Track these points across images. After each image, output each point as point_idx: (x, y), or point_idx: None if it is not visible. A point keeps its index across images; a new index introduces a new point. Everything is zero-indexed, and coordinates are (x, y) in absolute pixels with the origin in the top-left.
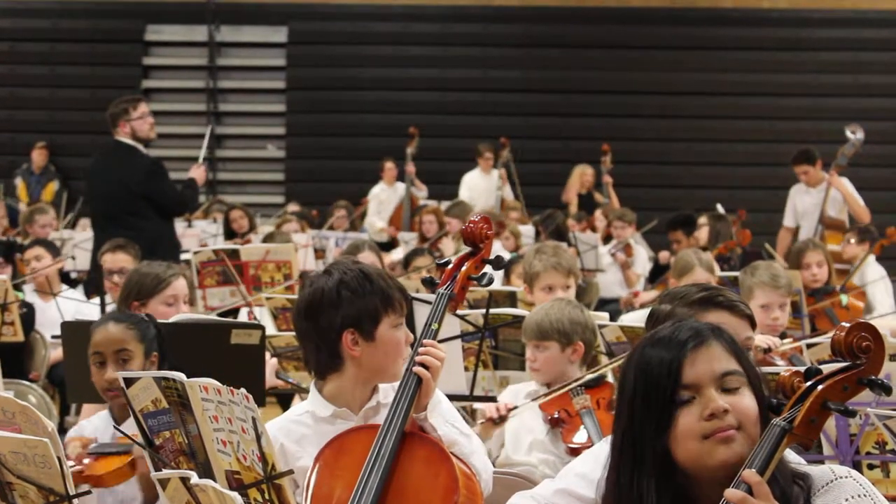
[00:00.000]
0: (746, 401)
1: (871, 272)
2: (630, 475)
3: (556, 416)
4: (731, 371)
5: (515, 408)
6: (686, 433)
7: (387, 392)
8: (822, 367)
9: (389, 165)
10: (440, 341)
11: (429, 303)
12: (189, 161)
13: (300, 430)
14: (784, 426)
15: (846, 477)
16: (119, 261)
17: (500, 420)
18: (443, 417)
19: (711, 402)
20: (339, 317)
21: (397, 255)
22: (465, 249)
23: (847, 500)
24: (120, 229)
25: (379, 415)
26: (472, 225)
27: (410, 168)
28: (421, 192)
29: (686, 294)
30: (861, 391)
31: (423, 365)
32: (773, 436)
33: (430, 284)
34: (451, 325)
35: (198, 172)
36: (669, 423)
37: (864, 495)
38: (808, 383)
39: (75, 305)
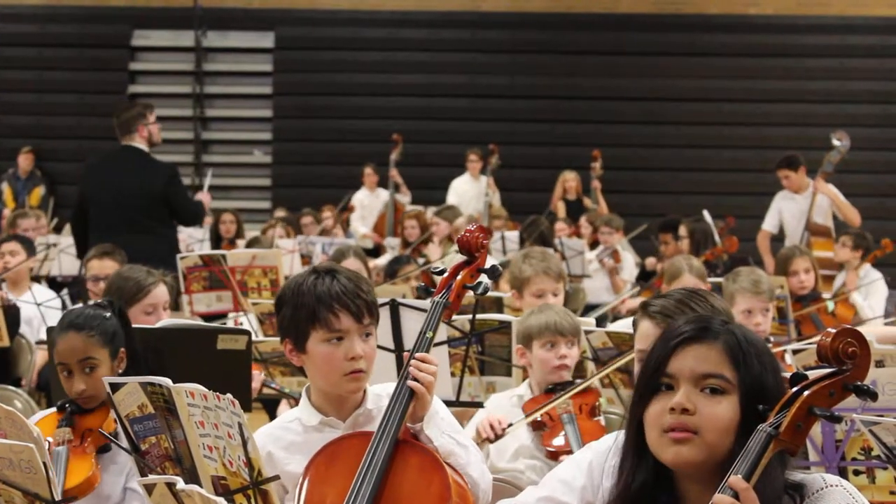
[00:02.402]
0: (717, 408)
1: (870, 278)
2: (625, 452)
3: (538, 419)
4: (715, 374)
5: (511, 425)
6: (652, 420)
7: (378, 398)
8: (807, 373)
9: (369, 171)
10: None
11: (415, 308)
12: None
13: (289, 437)
14: (770, 432)
15: (836, 486)
16: (106, 267)
17: (496, 439)
18: (439, 428)
19: (678, 396)
20: (279, 328)
21: (382, 261)
22: (454, 253)
23: None
24: (139, 235)
25: (370, 422)
26: (467, 234)
27: (394, 174)
28: (405, 197)
29: (648, 301)
30: (847, 397)
31: (416, 379)
32: (758, 442)
33: (424, 293)
34: (438, 331)
35: (205, 198)
36: (646, 405)
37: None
38: (794, 389)
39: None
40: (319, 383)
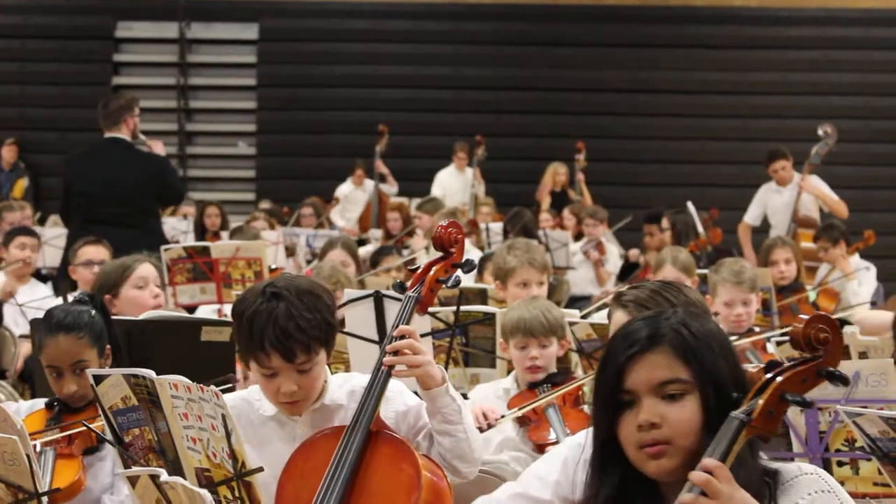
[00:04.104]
0: (682, 413)
1: (853, 267)
2: (590, 467)
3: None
4: (672, 380)
5: (503, 417)
6: (625, 439)
7: (339, 390)
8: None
9: (359, 171)
10: None
11: (399, 300)
12: None
13: (249, 417)
14: (743, 418)
15: (811, 473)
16: (101, 253)
17: (487, 428)
18: (450, 395)
19: (642, 412)
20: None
21: (365, 250)
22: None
23: (810, 493)
24: (126, 227)
25: (331, 416)
26: (440, 230)
27: (379, 165)
28: (392, 188)
29: (622, 291)
30: (820, 383)
31: (392, 364)
32: (731, 428)
33: (399, 289)
34: (421, 323)
35: (159, 147)
36: (610, 422)
37: (828, 491)
38: (768, 376)
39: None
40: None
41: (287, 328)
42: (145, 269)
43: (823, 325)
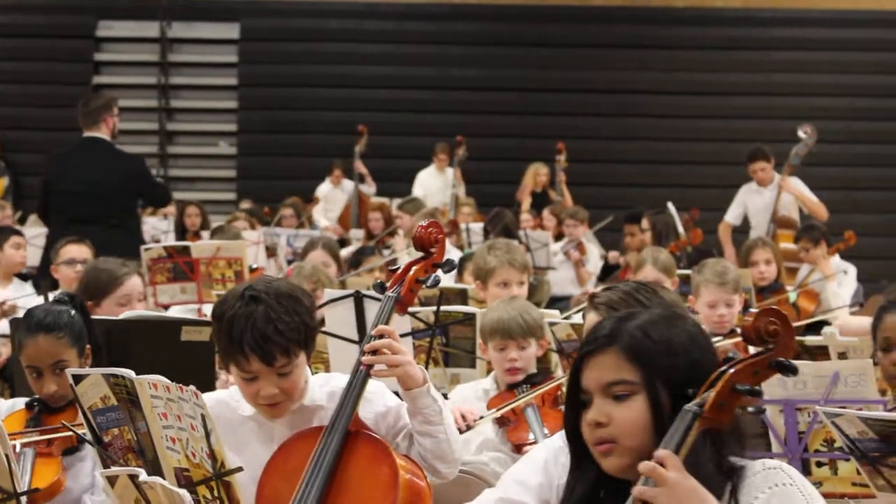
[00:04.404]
0: (627, 413)
1: (833, 269)
2: (570, 459)
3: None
4: (618, 381)
5: (482, 418)
6: (584, 437)
7: (319, 389)
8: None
9: (337, 172)
10: None
11: (379, 299)
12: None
13: (228, 416)
14: (695, 410)
15: (776, 468)
16: (83, 251)
17: (466, 430)
18: (431, 395)
19: (590, 411)
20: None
21: (346, 252)
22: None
23: (770, 487)
24: (106, 226)
25: (310, 417)
26: (420, 230)
27: (358, 165)
28: (370, 188)
29: (594, 293)
30: (772, 374)
31: (370, 364)
32: (684, 421)
33: (379, 289)
34: (401, 323)
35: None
36: (574, 420)
37: (789, 484)
38: (721, 369)
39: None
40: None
41: (266, 331)
42: (131, 284)
43: (773, 319)
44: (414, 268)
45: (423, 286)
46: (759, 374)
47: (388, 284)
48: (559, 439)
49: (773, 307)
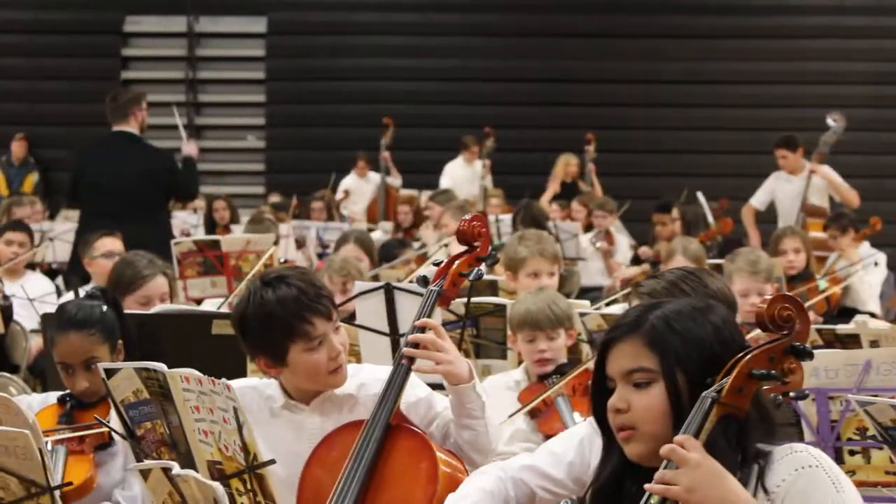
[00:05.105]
0: (647, 400)
1: (862, 255)
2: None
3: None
4: (637, 368)
5: (513, 414)
6: (609, 422)
7: (350, 380)
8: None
9: (361, 163)
10: None
11: (410, 292)
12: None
13: (258, 401)
14: (713, 397)
15: (802, 451)
16: (118, 244)
17: None
18: (475, 391)
19: (612, 398)
20: (247, 346)
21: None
22: (452, 241)
23: (796, 469)
24: (136, 221)
25: (340, 407)
26: (464, 224)
27: (385, 157)
28: (396, 180)
29: (640, 282)
30: (788, 360)
31: (412, 358)
32: (702, 407)
33: (422, 282)
34: (434, 315)
35: (192, 148)
36: (602, 407)
37: (815, 466)
38: (738, 356)
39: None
40: (301, 384)
41: (310, 292)
42: (154, 285)
43: (786, 304)
44: (457, 262)
45: (467, 280)
46: (775, 359)
47: (430, 278)
48: None
49: (786, 293)
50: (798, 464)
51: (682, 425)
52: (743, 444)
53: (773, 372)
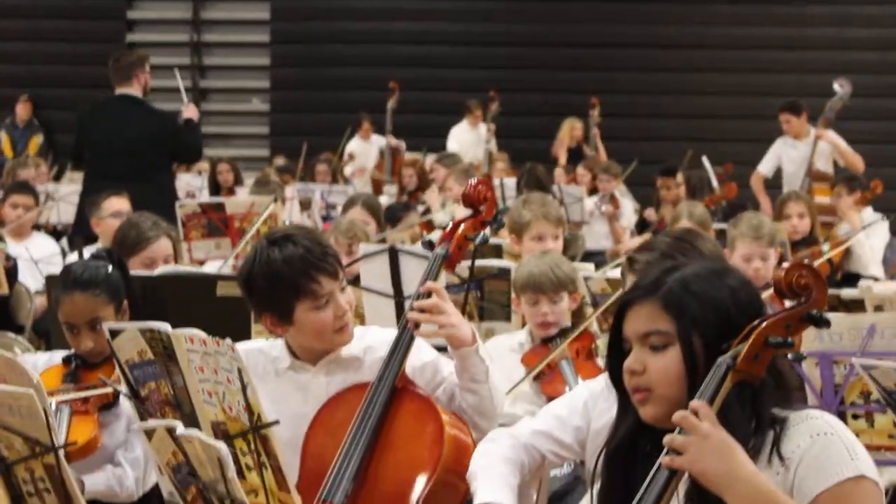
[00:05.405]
0: (662, 363)
1: (866, 221)
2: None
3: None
4: (653, 331)
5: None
6: (625, 383)
7: (348, 345)
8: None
9: (367, 126)
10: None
11: (414, 254)
12: None
13: (263, 363)
14: (728, 363)
15: (818, 418)
16: (126, 204)
17: None
18: (479, 356)
19: (628, 359)
20: (253, 304)
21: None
22: (455, 205)
23: (811, 436)
24: (139, 182)
25: (346, 368)
26: (471, 188)
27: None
28: (401, 145)
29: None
30: (804, 328)
31: (417, 324)
32: (717, 374)
33: (428, 246)
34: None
35: (192, 110)
36: (619, 368)
37: (830, 434)
38: (754, 323)
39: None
40: (308, 343)
41: (316, 251)
42: (158, 247)
43: (804, 272)
44: (463, 225)
45: (472, 244)
46: (792, 327)
47: (436, 241)
48: (600, 382)
49: (805, 261)
50: (813, 431)
51: (696, 389)
52: (757, 410)
53: (790, 340)
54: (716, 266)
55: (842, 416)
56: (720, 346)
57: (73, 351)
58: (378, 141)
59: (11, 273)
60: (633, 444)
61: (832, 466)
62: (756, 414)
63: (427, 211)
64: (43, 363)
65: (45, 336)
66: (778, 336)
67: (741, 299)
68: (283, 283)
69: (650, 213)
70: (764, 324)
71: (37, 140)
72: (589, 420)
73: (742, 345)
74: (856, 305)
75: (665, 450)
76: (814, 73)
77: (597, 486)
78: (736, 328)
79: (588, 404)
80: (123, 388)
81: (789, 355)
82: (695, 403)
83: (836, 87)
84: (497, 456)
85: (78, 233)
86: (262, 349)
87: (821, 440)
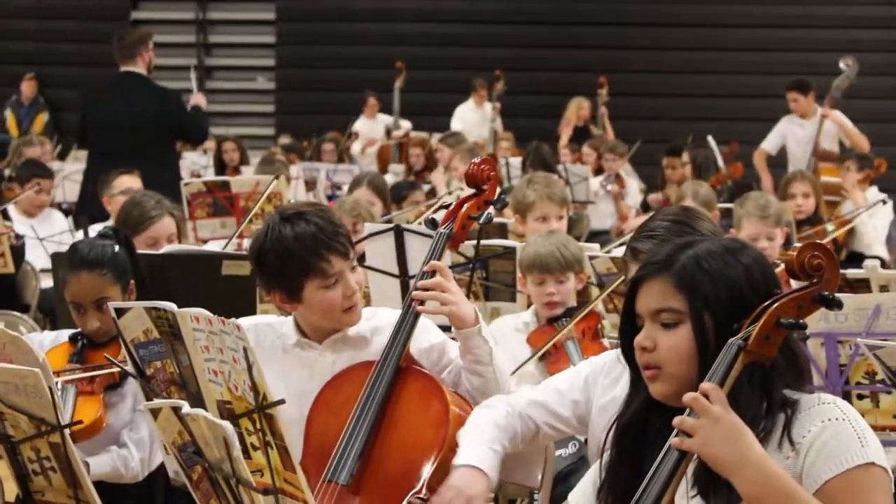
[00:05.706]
0: (673, 340)
1: (870, 198)
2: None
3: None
4: (665, 308)
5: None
6: (636, 359)
7: (356, 325)
8: None
9: (372, 102)
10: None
11: (420, 234)
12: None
13: (271, 338)
14: (739, 344)
15: (830, 403)
16: (136, 182)
17: None
18: (482, 336)
19: (639, 335)
20: (263, 280)
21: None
22: (460, 184)
23: (822, 421)
24: (145, 161)
25: (352, 346)
26: (474, 167)
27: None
28: (405, 124)
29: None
30: (816, 309)
31: (421, 302)
32: (728, 354)
33: (431, 225)
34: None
35: (200, 98)
36: (630, 344)
37: (841, 419)
38: (765, 303)
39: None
40: (316, 321)
41: (328, 230)
42: (161, 226)
43: (817, 253)
44: (466, 204)
45: (476, 223)
46: (804, 308)
47: (439, 220)
48: (603, 359)
49: (818, 241)
50: (825, 416)
51: (707, 367)
52: (768, 391)
53: (802, 321)
54: (731, 243)
55: (847, 396)
56: (732, 325)
57: (79, 330)
58: (384, 119)
59: (18, 252)
60: (644, 421)
61: (842, 453)
62: (767, 395)
63: (432, 191)
64: (50, 342)
65: (50, 315)
66: (790, 317)
67: (755, 278)
68: (294, 260)
69: (655, 198)
70: (776, 304)
71: (42, 118)
72: (589, 395)
73: (753, 325)
74: (861, 285)
75: (675, 431)
76: (821, 52)
77: (605, 459)
78: (749, 307)
79: (589, 380)
80: (129, 367)
81: (795, 334)
82: (706, 386)
83: (842, 65)
84: (489, 422)
85: (82, 212)
86: (272, 324)
87: (832, 426)
